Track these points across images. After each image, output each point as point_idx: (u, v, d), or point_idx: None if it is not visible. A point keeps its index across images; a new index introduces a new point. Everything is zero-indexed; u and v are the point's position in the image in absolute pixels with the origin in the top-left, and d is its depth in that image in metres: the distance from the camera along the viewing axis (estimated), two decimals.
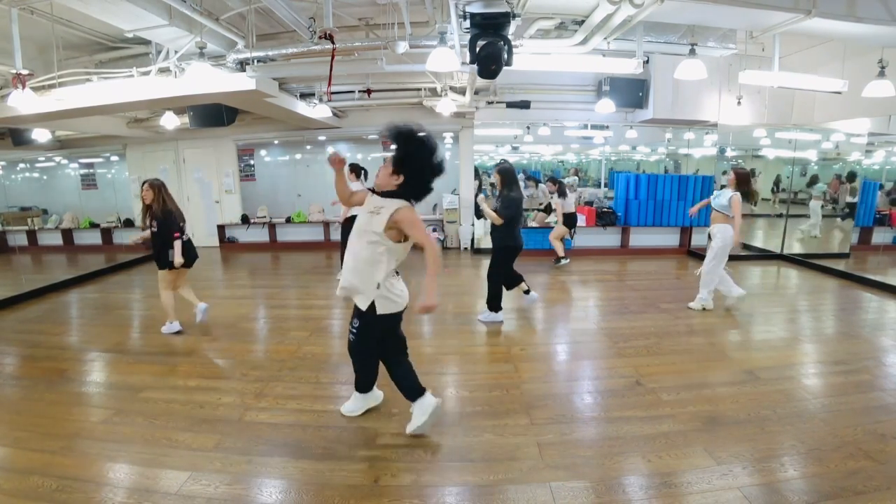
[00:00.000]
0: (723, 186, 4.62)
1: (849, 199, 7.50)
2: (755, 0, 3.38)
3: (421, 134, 2.26)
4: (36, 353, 3.88)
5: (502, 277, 4.35)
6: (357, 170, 5.75)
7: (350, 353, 2.57)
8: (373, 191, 2.41)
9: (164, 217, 3.99)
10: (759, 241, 7.94)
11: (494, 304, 4.30)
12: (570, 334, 4.14)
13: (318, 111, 6.69)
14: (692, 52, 4.27)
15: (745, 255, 7.20)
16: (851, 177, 7.37)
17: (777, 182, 8.15)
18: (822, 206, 7.42)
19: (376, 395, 2.79)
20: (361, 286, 2.32)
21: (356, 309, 2.39)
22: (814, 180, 7.52)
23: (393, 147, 2.28)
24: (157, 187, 4.03)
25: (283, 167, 8.83)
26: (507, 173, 4.11)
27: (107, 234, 9.12)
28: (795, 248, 7.42)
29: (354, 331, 2.44)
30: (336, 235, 8.71)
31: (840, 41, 5.10)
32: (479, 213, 7.56)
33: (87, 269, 6.85)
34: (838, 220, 7.40)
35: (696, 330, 4.12)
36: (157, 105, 6.19)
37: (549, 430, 2.56)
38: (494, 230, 4.22)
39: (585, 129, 7.78)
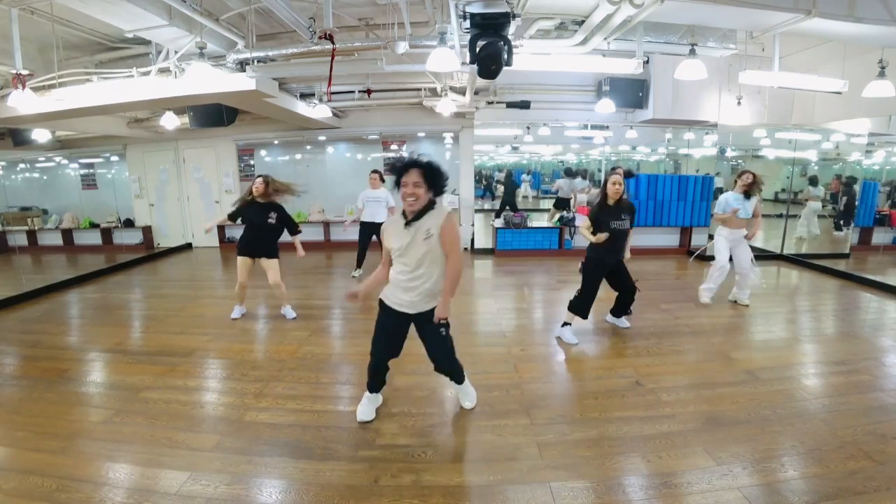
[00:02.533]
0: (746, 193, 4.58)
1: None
2: (755, 0, 3.38)
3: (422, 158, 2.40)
4: (36, 353, 3.87)
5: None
6: (382, 175, 6.04)
7: (451, 355, 2.62)
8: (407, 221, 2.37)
9: (280, 210, 4.43)
10: (759, 242, 7.93)
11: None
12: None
13: (318, 111, 6.69)
14: (692, 52, 4.26)
15: None
16: (813, 180, 7.40)
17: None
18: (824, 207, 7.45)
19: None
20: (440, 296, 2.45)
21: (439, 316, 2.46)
22: (813, 181, 7.52)
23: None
24: (269, 182, 4.35)
25: (283, 167, 8.82)
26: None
27: (107, 234, 9.12)
28: (795, 247, 7.43)
29: (446, 332, 2.52)
30: (337, 236, 8.72)
31: (840, 41, 5.10)
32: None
33: (87, 269, 6.84)
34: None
35: (696, 330, 4.12)
36: (158, 105, 6.19)
37: (549, 430, 2.56)
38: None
39: (585, 130, 7.78)
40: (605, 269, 3.83)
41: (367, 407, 2.71)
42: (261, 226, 4.33)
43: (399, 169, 2.33)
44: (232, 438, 2.53)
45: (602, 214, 3.69)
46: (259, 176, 4.35)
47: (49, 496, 2.09)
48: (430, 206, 2.36)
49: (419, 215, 2.34)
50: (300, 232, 4.63)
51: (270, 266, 4.44)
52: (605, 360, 3.54)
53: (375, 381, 2.69)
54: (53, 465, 2.31)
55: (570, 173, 8.41)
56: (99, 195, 9.25)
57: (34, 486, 2.15)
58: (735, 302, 4.87)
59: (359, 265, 6.26)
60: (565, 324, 3.90)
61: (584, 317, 3.88)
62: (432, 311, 2.46)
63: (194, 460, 2.34)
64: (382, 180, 6.01)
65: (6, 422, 2.77)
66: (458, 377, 2.73)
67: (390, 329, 2.54)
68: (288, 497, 2.09)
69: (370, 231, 5.93)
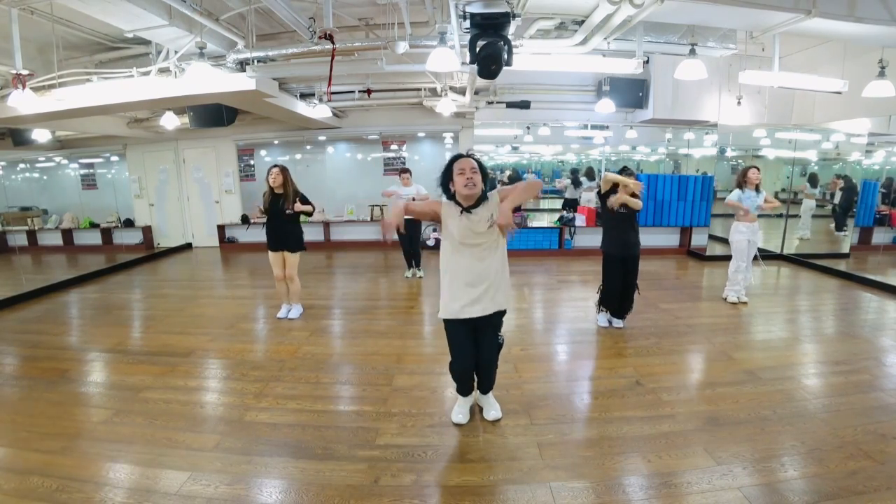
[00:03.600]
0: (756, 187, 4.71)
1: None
2: (755, 0, 3.38)
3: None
4: (36, 353, 3.87)
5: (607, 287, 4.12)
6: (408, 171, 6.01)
7: (495, 359, 2.60)
8: (463, 208, 2.39)
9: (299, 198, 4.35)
10: (759, 242, 7.91)
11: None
12: (570, 334, 4.14)
13: (318, 111, 6.69)
14: (692, 52, 4.26)
15: None
16: (813, 179, 7.42)
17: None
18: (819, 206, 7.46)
19: None
20: (508, 295, 2.49)
21: (501, 314, 2.50)
22: (812, 179, 7.53)
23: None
24: (286, 171, 4.33)
25: None
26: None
27: (107, 234, 9.12)
28: (796, 247, 7.42)
29: (501, 338, 2.61)
30: (337, 235, 8.72)
31: (840, 41, 5.10)
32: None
33: (87, 269, 6.85)
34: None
35: (696, 330, 4.12)
36: (158, 105, 6.19)
37: (549, 430, 2.56)
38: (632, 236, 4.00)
39: (585, 129, 7.78)
40: (619, 261, 3.99)
41: (463, 409, 2.67)
42: (278, 216, 4.28)
43: (453, 157, 2.41)
44: (232, 438, 2.53)
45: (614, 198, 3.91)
46: (275, 166, 4.30)
47: (49, 496, 2.08)
48: (483, 197, 2.40)
49: (476, 203, 2.37)
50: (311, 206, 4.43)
51: (290, 259, 4.43)
52: (605, 360, 3.54)
53: (464, 385, 2.64)
54: (54, 465, 2.31)
55: (576, 182, 8.36)
56: (99, 195, 9.25)
57: (34, 487, 2.15)
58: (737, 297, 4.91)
59: (409, 264, 6.29)
60: (600, 310, 4.25)
61: (611, 308, 4.16)
62: (495, 313, 2.45)
63: (194, 460, 2.34)
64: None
65: (6, 422, 2.77)
66: (493, 382, 2.68)
67: (462, 338, 2.49)
68: (288, 497, 2.09)
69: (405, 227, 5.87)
